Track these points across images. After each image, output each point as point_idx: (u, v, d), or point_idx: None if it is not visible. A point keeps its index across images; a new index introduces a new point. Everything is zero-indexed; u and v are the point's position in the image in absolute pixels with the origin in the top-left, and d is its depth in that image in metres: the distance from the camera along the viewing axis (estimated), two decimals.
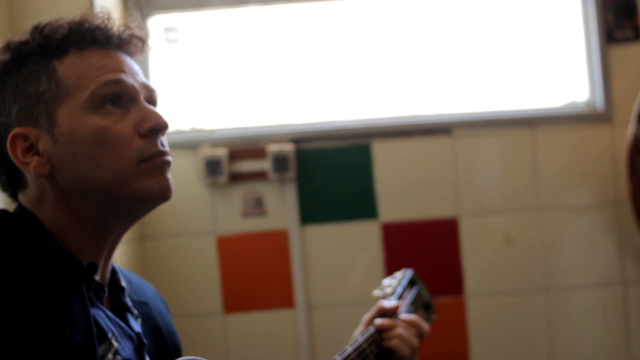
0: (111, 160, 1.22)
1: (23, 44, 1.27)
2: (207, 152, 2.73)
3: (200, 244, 2.80)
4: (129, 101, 1.26)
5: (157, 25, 2.84)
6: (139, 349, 1.31)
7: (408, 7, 2.86)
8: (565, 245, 2.82)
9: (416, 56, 2.86)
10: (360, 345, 1.58)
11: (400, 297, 1.80)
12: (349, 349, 1.55)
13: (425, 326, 1.70)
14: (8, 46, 1.28)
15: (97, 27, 1.28)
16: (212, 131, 2.81)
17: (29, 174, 1.25)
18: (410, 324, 1.68)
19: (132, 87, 1.27)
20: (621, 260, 2.81)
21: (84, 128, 1.22)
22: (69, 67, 1.25)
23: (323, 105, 2.84)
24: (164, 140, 1.29)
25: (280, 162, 2.73)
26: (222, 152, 2.74)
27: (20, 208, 1.28)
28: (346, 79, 2.85)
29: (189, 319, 2.79)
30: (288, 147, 2.74)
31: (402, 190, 2.81)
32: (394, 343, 1.62)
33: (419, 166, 2.81)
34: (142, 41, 1.34)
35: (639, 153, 2.62)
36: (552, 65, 2.88)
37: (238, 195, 2.79)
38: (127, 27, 1.32)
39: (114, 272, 1.36)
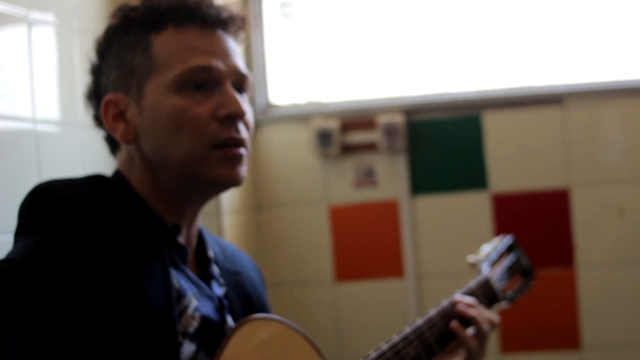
0: (186, 141, 1.31)
1: (132, 9, 1.37)
2: (319, 123, 2.82)
3: (312, 214, 2.91)
4: (213, 85, 1.33)
5: (273, 0, 2.93)
6: (219, 309, 1.39)
7: None
8: None
9: (528, 25, 2.86)
10: (431, 318, 1.60)
11: (494, 263, 1.83)
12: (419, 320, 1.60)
13: (495, 318, 1.67)
14: (120, 10, 1.38)
15: (197, 5, 1.35)
16: (324, 103, 2.88)
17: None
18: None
19: (218, 72, 1.33)
20: None
21: (164, 106, 1.31)
22: (162, 43, 1.33)
23: (433, 76, 2.89)
24: (243, 128, 1.36)
25: (390, 133, 2.79)
26: (333, 124, 2.82)
27: (115, 172, 1.39)
28: (457, 49, 2.88)
29: (301, 287, 2.90)
30: (398, 119, 2.80)
31: (513, 160, 2.84)
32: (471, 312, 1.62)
33: (530, 137, 2.84)
34: (242, 20, 1.40)
35: None
36: None
37: (349, 166, 2.87)
38: (227, 5, 1.38)
39: (202, 241, 1.45)
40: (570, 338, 2.81)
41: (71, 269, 1.17)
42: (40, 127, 1.77)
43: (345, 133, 2.86)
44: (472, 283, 1.72)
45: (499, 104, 2.84)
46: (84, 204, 1.25)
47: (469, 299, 1.65)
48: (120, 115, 1.34)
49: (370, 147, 2.86)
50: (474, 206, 2.86)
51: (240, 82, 1.38)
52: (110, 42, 1.37)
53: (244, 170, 1.36)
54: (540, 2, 2.86)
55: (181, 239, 1.35)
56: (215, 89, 1.33)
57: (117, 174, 1.38)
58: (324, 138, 2.82)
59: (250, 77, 1.40)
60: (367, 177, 2.87)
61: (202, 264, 1.44)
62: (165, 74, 1.31)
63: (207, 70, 1.32)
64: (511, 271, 1.84)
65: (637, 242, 2.80)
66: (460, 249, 2.83)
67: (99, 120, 1.40)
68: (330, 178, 2.90)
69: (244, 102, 1.36)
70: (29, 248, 1.19)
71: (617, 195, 2.81)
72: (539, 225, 2.82)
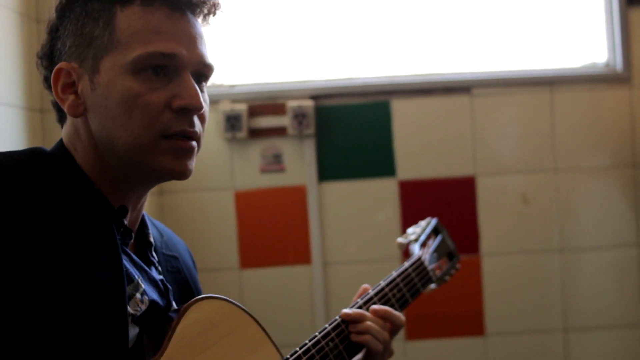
0: (135, 127, 1.25)
1: None
2: (227, 107, 2.82)
3: (218, 199, 2.90)
4: (173, 71, 1.28)
5: None
6: (165, 294, 1.36)
7: None
8: (582, 206, 2.92)
9: (437, 14, 2.94)
10: (328, 334, 1.54)
11: (423, 245, 1.87)
12: (317, 335, 1.53)
13: (401, 319, 1.62)
14: None
15: None
16: (232, 86, 2.89)
17: None
18: (381, 315, 1.61)
19: (181, 60, 1.28)
20: (637, 221, 2.91)
21: (118, 87, 1.25)
22: (127, 19, 1.26)
23: (343, 62, 2.94)
24: (198, 121, 1.31)
25: (299, 118, 2.81)
26: (241, 108, 2.83)
27: (59, 144, 1.33)
28: (367, 36, 2.94)
29: (205, 274, 2.89)
30: (308, 104, 2.83)
31: (421, 148, 2.91)
32: (365, 339, 1.56)
33: (438, 124, 2.91)
34: (214, 4, 1.35)
35: None
36: (572, 26, 2.97)
37: (257, 150, 2.88)
38: None
39: (144, 225, 1.42)
40: (474, 325, 2.90)
41: (13, 248, 1.12)
42: None
43: (254, 117, 2.87)
44: (406, 264, 1.75)
45: (407, 91, 2.90)
46: (27, 177, 1.20)
47: (356, 315, 1.59)
48: (71, 86, 1.29)
49: (278, 131, 2.87)
50: (381, 193, 2.92)
51: (202, 72, 1.33)
52: (72, 5, 1.30)
53: (192, 163, 1.31)
54: None
55: (126, 222, 1.31)
56: (174, 77, 1.28)
57: (61, 147, 1.33)
58: (231, 122, 2.82)
59: (214, 67, 1.35)
60: (275, 163, 2.89)
61: (142, 248, 1.40)
62: (124, 53, 1.25)
63: (170, 57, 1.27)
64: (438, 253, 1.88)
65: (540, 230, 2.92)
66: (367, 236, 2.89)
67: (48, 83, 1.33)
68: (237, 163, 2.90)
69: (202, 94, 1.32)
70: None
71: (521, 185, 2.91)
72: (445, 213, 2.87)
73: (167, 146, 1.27)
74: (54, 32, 1.32)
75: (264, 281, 2.91)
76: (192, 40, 1.30)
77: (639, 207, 2.92)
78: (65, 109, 1.29)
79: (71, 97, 1.28)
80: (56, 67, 1.28)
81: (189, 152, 1.30)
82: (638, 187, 2.91)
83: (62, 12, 1.31)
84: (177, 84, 1.28)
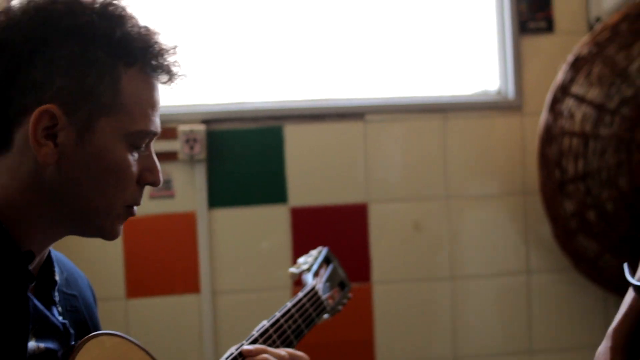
0: (111, 195, 1.27)
1: (97, 14, 1.23)
2: None
3: None
4: (145, 144, 1.32)
5: None
6: (65, 338, 1.32)
7: None
8: (472, 233, 2.96)
9: (331, 40, 2.94)
10: None
11: (316, 274, 1.86)
12: None
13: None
14: (80, 5, 1.24)
15: (165, 58, 1.30)
16: None
17: (22, 147, 1.22)
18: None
19: (155, 136, 1.32)
20: (526, 249, 2.96)
21: (113, 154, 1.25)
22: (130, 85, 1.25)
23: (236, 86, 2.91)
24: None
25: (190, 142, 2.77)
26: None
27: None
28: (259, 60, 2.91)
29: None
30: (199, 128, 2.79)
31: (313, 174, 2.90)
32: None
33: (331, 150, 2.90)
34: (179, 76, 1.36)
35: (550, 142, 2.77)
36: (465, 54, 3.02)
37: None
38: (178, 62, 1.33)
39: (49, 263, 1.37)
40: (365, 354, 2.91)
41: None
42: None
43: None
44: (300, 294, 1.74)
45: (300, 117, 2.89)
46: None
47: (257, 350, 1.56)
48: (48, 130, 1.21)
49: (168, 156, 2.82)
50: (273, 220, 2.89)
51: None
52: (65, 37, 1.21)
53: None
54: (345, 17, 2.95)
55: (31, 267, 1.25)
56: (142, 149, 1.30)
57: None
58: None
59: None
60: (164, 188, 2.84)
61: (45, 288, 1.35)
62: (125, 121, 1.25)
63: (156, 134, 1.31)
64: (331, 282, 1.88)
65: (431, 258, 2.95)
66: (257, 265, 2.87)
67: None
68: None
69: None
70: None
71: (413, 212, 2.93)
72: (337, 241, 2.89)
73: (123, 213, 1.31)
74: (27, 53, 1.20)
75: (151, 311, 2.85)
76: (159, 113, 1.34)
77: (528, 234, 2.98)
78: (39, 155, 1.20)
79: (50, 145, 1.21)
80: (44, 107, 1.19)
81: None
82: (527, 215, 2.97)
83: (46, 34, 1.20)
84: (144, 157, 1.31)
